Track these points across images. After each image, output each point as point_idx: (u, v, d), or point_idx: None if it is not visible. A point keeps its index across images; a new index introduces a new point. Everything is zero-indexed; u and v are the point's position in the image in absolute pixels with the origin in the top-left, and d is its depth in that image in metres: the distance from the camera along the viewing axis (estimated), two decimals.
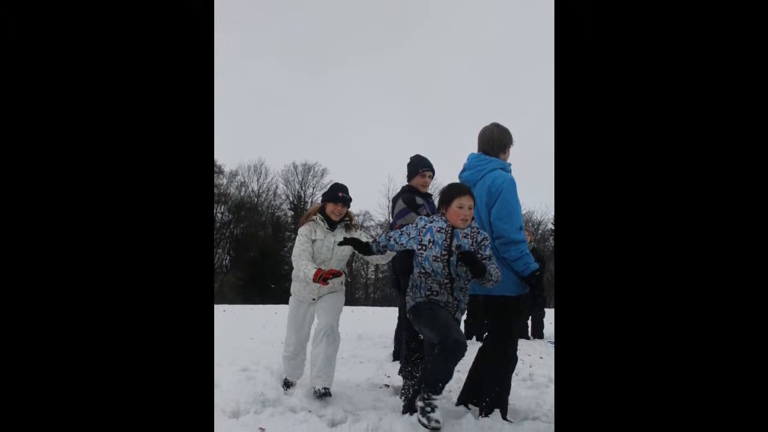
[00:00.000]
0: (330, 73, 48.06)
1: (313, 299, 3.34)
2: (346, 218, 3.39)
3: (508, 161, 2.96)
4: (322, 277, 3.02)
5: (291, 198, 36.41)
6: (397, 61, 48.36)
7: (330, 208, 3.32)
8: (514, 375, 2.98)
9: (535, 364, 5.01)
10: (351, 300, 25.20)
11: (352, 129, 48.92)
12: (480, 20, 47.14)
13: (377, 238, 2.97)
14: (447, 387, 2.54)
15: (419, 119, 49.08)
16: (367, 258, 3.11)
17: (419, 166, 3.75)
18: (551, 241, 29.24)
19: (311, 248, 3.27)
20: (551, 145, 1.57)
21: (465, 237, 2.58)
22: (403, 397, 2.97)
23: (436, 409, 2.30)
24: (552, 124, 1.54)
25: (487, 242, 2.60)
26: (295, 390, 3.25)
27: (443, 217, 2.64)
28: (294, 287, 3.42)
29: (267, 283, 29.78)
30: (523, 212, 4.09)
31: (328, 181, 32.86)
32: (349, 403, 3.01)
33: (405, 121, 48.55)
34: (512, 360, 2.82)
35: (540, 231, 32.61)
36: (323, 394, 3.01)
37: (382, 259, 3.26)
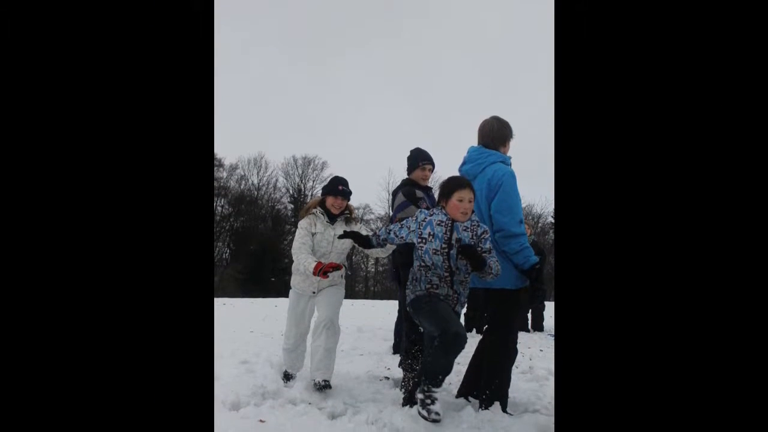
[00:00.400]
0: (330, 67, 48.06)
1: (313, 292, 3.35)
2: (346, 211, 3.39)
3: (508, 154, 2.96)
4: (323, 271, 3.03)
5: (291, 191, 36.41)
6: (398, 55, 48.33)
7: (330, 201, 3.32)
8: (514, 368, 2.99)
9: (535, 356, 5.03)
10: (351, 293, 25.24)
11: (353, 122, 48.94)
12: (482, 15, 47.04)
13: (377, 231, 2.96)
14: (447, 379, 2.55)
15: (420, 113, 49.09)
16: (367, 251, 3.11)
17: (419, 159, 3.75)
18: (551, 235, 29.26)
19: (311, 241, 3.27)
20: (551, 139, 1.57)
21: (465, 230, 2.58)
22: (403, 390, 2.98)
23: (436, 401, 2.31)
24: (552, 118, 1.54)
25: (487, 235, 2.60)
26: (295, 382, 3.26)
27: (443, 211, 2.63)
28: (294, 280, 3.42)
29: (267, 276, 29.84)
30: (523, 205, 4.08)
31: (328, 174, 32.85)
32: (349, 395, 3.03)
33: (405, 115, 48.56)
34: (512, 353, 2.83)
35: (540, 224, 32.62)
36: (323, 387, 3.02)
37: (382, 253, 3.26)
